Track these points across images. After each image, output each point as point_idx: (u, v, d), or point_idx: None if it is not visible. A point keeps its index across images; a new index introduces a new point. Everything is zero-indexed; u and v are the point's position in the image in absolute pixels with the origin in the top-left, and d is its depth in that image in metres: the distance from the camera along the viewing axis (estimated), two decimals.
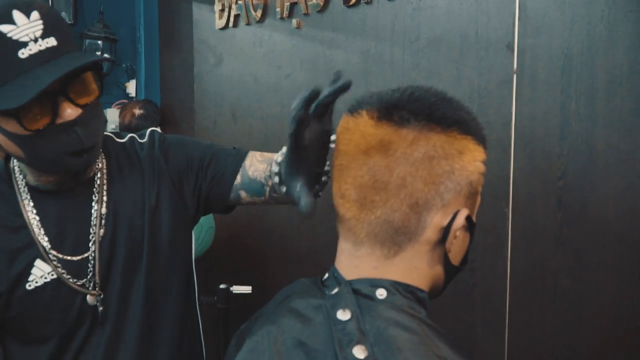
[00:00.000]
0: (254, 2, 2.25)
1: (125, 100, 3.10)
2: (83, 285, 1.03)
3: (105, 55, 2.95)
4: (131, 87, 3.17)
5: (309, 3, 2.03)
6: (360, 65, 1.88)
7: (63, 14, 2.87)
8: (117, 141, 1.15)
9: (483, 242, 1.58)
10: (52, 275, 1.01)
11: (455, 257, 0.74)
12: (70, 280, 1.02)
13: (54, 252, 1.02)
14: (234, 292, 2.19)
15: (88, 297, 1.03)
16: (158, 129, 1.18)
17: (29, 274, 1.00)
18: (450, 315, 1.66)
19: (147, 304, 1.08)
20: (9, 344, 1.05)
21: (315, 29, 2.04)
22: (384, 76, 1.81)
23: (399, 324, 0.66)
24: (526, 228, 1.51)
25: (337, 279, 0.73)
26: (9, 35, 0.88)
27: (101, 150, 1.07)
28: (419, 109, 0.69)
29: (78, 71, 0.93)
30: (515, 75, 1.51)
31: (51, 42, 0.90)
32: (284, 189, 0.93)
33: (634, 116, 1.33)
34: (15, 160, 1.05)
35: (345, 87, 0.68)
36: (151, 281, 1.08)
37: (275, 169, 0.96)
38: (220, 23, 2.42)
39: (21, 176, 1.04)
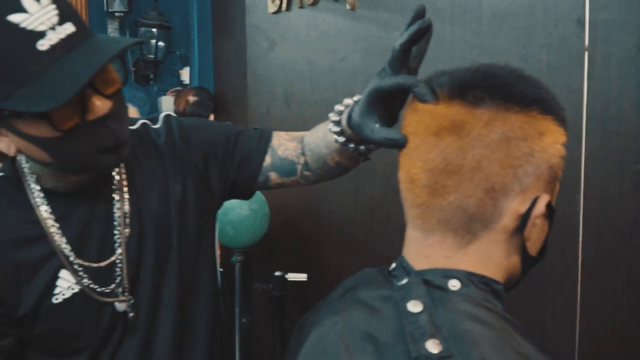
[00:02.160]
0: None
1: (180, 88, 3.13)
2: (112, 292, 0.96)
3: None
4: (185, 74, 3.20)
5: None
6: None
7: (118, 1, 2.90)
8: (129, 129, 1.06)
9: (553, 229, 1.50)
10: (79, 285, 0.93)
11: (533, 247, 0.69)
12: (98, 289, 0.94)
13: (78, 261, 0.93)
14: (289, 279, 2.18)
15: (117, 303, 0.96)
16: (173, 114, 1.10)
17: (54, 286, 0.92)
18: (518, 306, 1.59)
19: (180, 302, 1.01)
20: (32, 359, 0.97)
21: (370, 9, 1.99)
22: (444, 58, 1.74)
23: (475, 318, 0.61)
24: (599, 215, 1.43)
25: (406, 269, 0.69)
26: (22, 25, 0.76)
27: None
28: (495, 88, 0.65)
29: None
30: (586, 53, 1.42)
31: (69, 28, 0.79)
32: (342, 139, 0.88)
33: None
34: (24, 161, 0.93)
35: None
36: (182, 277, 1.01)
37: (335, 118, 0.89)
38: (272, 7, 2.39)
39: (33, 178, 0.93)
